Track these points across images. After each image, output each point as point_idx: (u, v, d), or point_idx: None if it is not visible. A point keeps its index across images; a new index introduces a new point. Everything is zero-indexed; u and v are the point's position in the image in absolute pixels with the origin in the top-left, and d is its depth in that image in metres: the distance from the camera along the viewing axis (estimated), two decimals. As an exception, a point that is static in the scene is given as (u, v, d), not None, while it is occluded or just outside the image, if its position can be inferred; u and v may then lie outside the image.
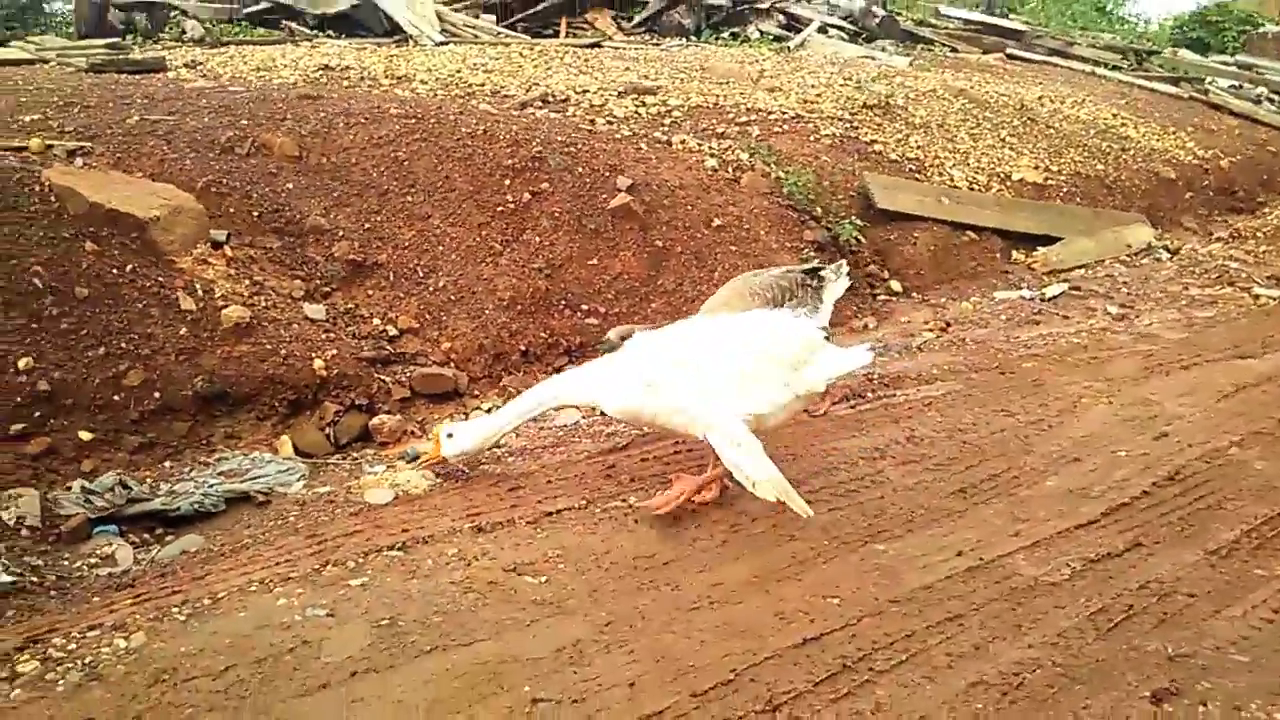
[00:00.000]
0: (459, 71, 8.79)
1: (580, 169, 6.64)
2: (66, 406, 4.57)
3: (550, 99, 8.07)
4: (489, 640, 2.85)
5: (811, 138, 8.35)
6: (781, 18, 13.23)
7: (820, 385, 3.74)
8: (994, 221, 8.31)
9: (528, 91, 8.26)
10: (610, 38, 11.75)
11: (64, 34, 12.07)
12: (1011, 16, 17.71)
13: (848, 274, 5.08)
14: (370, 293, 5.89)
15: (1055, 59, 14.75)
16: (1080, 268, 8.11)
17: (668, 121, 8.00)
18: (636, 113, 8.04)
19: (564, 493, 3.83)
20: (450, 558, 3.30)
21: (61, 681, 2.65)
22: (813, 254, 7.00)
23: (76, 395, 4.58)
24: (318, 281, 5.82)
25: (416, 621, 2.92)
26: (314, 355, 5.14)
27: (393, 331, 5.70)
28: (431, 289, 5.93)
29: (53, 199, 5.11)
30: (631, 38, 12.03)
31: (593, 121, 7.68)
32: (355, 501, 3.79)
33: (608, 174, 6.67)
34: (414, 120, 6.79)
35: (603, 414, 3.93)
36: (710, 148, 7.65)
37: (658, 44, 11.80)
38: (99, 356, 4.72)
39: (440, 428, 3.93)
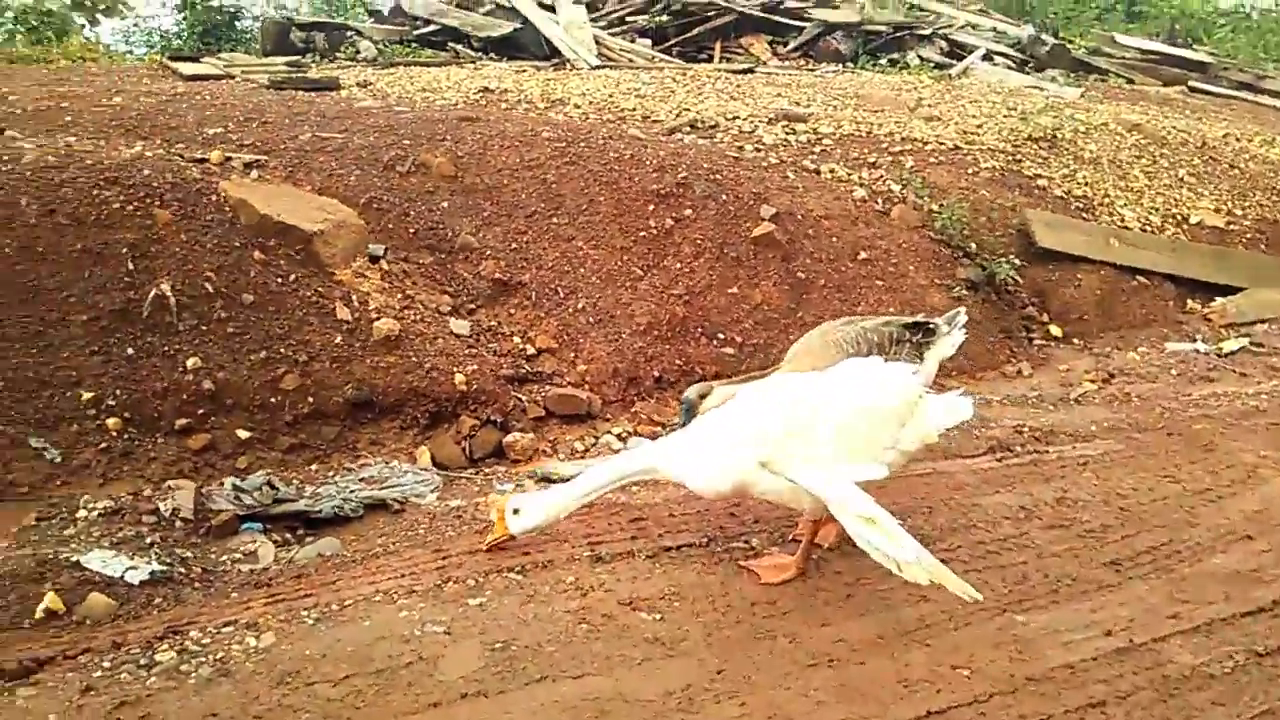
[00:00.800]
0: (611, 96, 8.92)
1: (725, 196, 6.60)
2: (227, 406, 4.85)
3: (699, 125, 8.08)
4: (599, 675, 2.82)
5: (969, 170, 8.03)
6: (943, 44, 12.84)
7: (932, 437, 3.55)
8: (1167, 266, 7.76)
9: (677, 117, 8.30)
10: (764, 63, 11.71)
11: (251, 50, 12.96)
12: (1196, 47, 16.59)
13: (964, 326, 4.53)
14: (512, 311, 6.02)
15: (1244, 93, 13.72)
16: (1262, 322, 7.46)
17: (817, 150, 7.87)
18: (786, 140, 7.95)
19: (686, 528, 3.77)
20: (567, 585, 3.30)
21: (194, 675, 2.79)
22: (965, 292, 6.72)
23: (237, 396, 4.87)
24: (464, 298, 6.00)
25: (529, 648, 2.92)
26: (456, 370, 5.28)
27: (531, 350, 5.80)
28: (571, 310, 6.01)
29: (227, 209, 5.46)
30: (786, 63, 11.94)
31: (740, 148, 7.63)
32: (481, 519, 3.84)
33: (752, 202, 6.61)
34: (564, 144, 6.92)
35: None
36: (860, 178, 7.47)
37: (813, 69, 11.67)
38: (260, 360, 5.00)
39: (506, 500, 3.53)
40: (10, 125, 6.53)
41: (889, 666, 2.94)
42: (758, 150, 7.65)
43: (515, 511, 3.47)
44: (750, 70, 10.93)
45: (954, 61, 12.38)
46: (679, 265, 6.27)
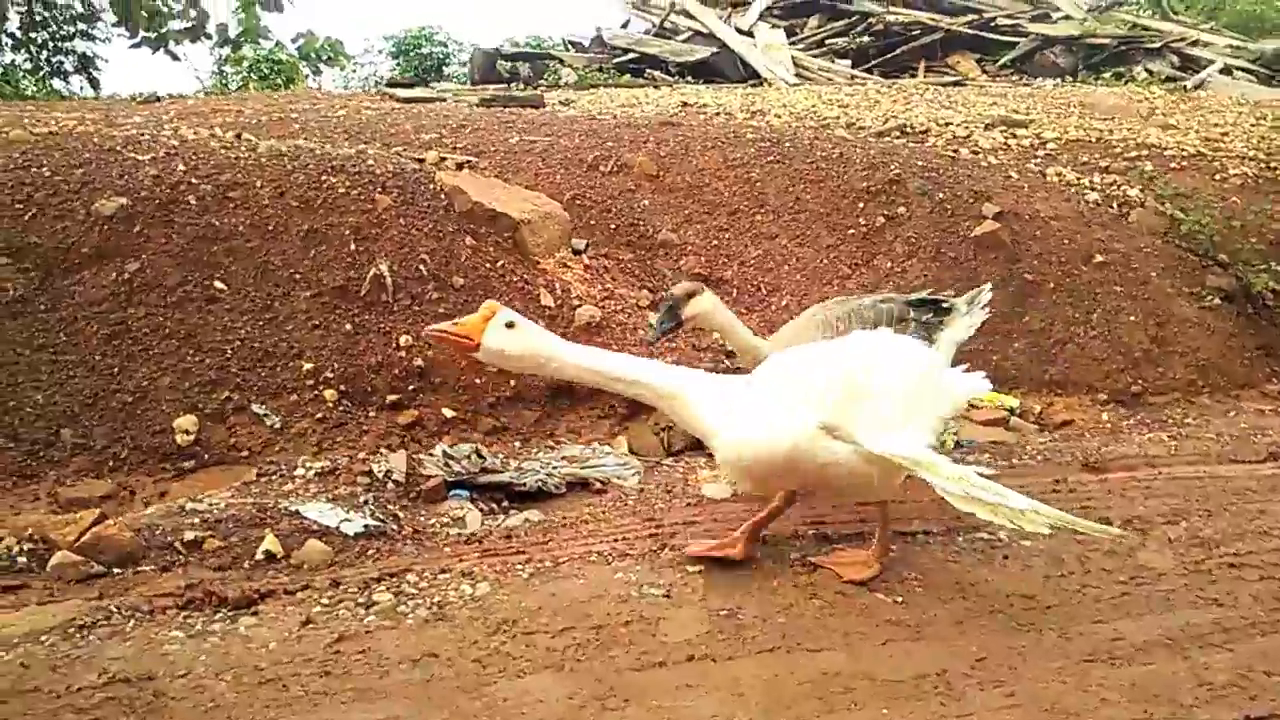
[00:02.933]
0: (814, 107, 8.69)
1: (941, 194, 6.20)
2: (435, 384, 4.87)
3: (909, 130, 7.70)
4: (838, 651, 2.51)
5: (1216, 177, 7.25)
6: (1174, 58, 11.86)
7: (962, 403, 3.20)
8: None
9: (885, 123, 7.95)
10: (973, 80, 11.16)
11: (459, 83, 13.60)
12: None
13: (985, 307, 3.99)
14: (714, 307, 5.83)
15: None
16: None
17: (1040, 154, 7.32)
18: (1005, 144, 7.45)
19: (919, 515, 3.41)
20: (793, 561, 3.01)
21: (411, 616, 2.68)
22: (1218, 302, 6.00)
23: (444, 375, 4.88)
24: (663, 293, 5.86)
25: (757, 618, 2.65)
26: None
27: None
28: (774, 308, 5.75)
29: (442, 196, 5.56)
30: (997, 80, 11.34)
31: (956, 151, 7.20)
32: (692, 494, 3.63)
33: (972, 200, 6.17)
34: (768, 143, 6.73)
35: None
36: (1091, 181, 6.87)
37: (1027, 84, 11.02)
38: (466, 341, 5.01)
39: (500, 306, 2.86)
40: (245, 131, 6.98)
41: (1185, 668, 2.48)
42: (974, 153, 7.20)
43: (509, 325, 2.80)
44: (960, 84, 10.43)
45: (1186, 75, 11.40)
46: (890, 264, 5.91)
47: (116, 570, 3.00)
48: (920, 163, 6.43)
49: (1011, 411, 5.07)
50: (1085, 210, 6.40)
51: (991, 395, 5.23)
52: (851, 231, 6.04)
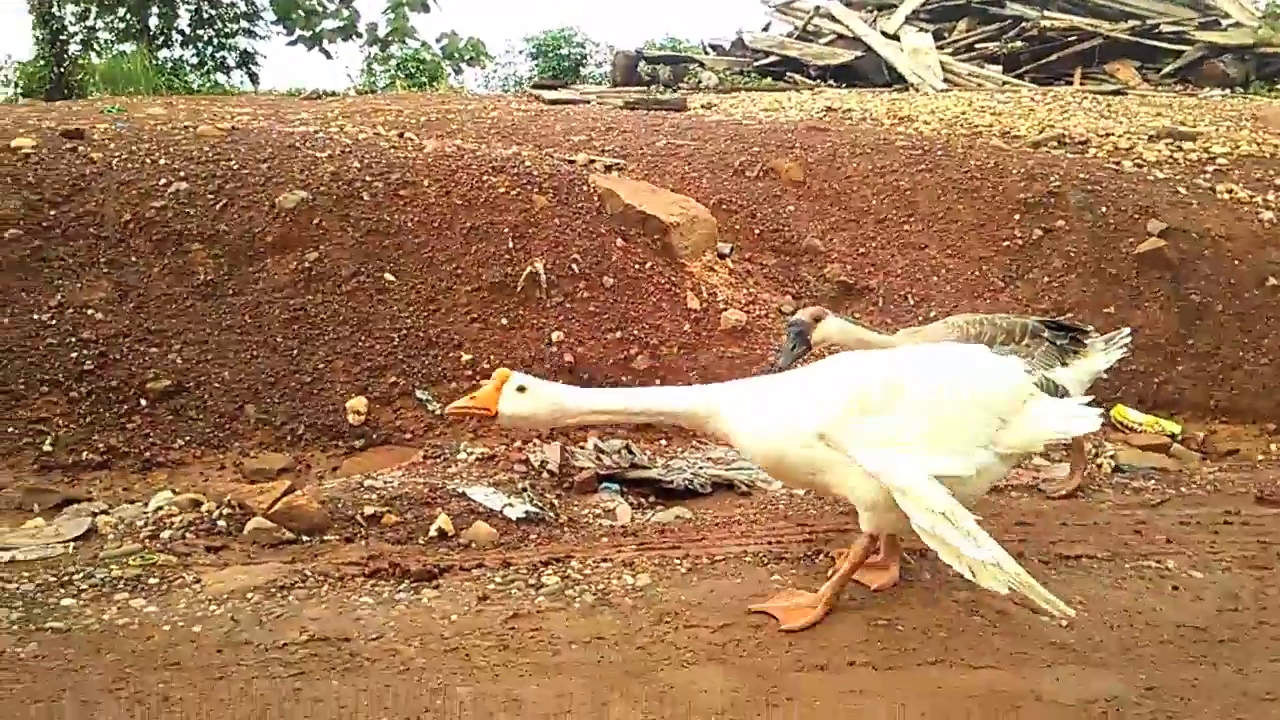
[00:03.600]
0: (964, 114, 8.50)
1: (1103, 208, 5.99)
2: (584, 380, 5.01)
3: (1067, 140, 7.46)
4: (1002, 669, 2.50)
5: None
6: (1363, 69, 11.06)
7: (1036, 445, 2.87)
8: None
9: (1041, 133, 7.72)
10: (1133, 88, 10.68)
11: (600, 84, 13.86)
12: None
13: (1125, 346, 3.82)
14: (857, 315, 5.79)
15: None
16: None
17: (1210, 169, 6.97)
18: (1171, 157, 7.13)
19: (1082, 539, 3.34)
20: (951, 577, 2.98)
21: (578, 600, 2.80)
22: None
23: (594, 371, 5.03)
24: (806, 299, 5.86)
25: (917, 630, 2.67)
26: (800, 366, 5.15)
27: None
28: (920, 319, 5.67)
29: (595, 199, 5.72)
30: (1159, 89, 10.82)
31: (1118, 163, 6.94)
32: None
33: (1136, 216, 5.94)
34: (920, 152, 6.64)
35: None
36: (1265, 199, 6.50)
37: (1193, 95, 10.48)
38: (615, 339, 5.15)
39: (511, 372, 2.80)
40: (407, 131, 7.32)
41: (1387, 717, 2.36)
42: (1138, 166, 6.92)
43: (520, 390, 2.75)
44: (1121, 92, 10.01)
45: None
46: (1046, 279, 5.75)
47: (305, 538, 3.25)
48: (1081, 175, 6.23)
49: (1173, 437, 4.87)
50: (1260, 230, 6.06)
51: (1151, 419, 5.05)
52: (1006, 244, 5.91)
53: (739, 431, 2.76)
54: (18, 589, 2.78)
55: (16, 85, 15.11)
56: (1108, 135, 7.61)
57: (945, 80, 10.65)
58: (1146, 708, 2.37)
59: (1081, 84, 10.93)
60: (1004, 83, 10.85)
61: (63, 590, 2.78)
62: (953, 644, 2.61)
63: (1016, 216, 6.01)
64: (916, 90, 10.38)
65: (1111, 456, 4.48)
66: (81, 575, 2.87)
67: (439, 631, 2.57)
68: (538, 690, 2.32)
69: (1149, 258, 5.68)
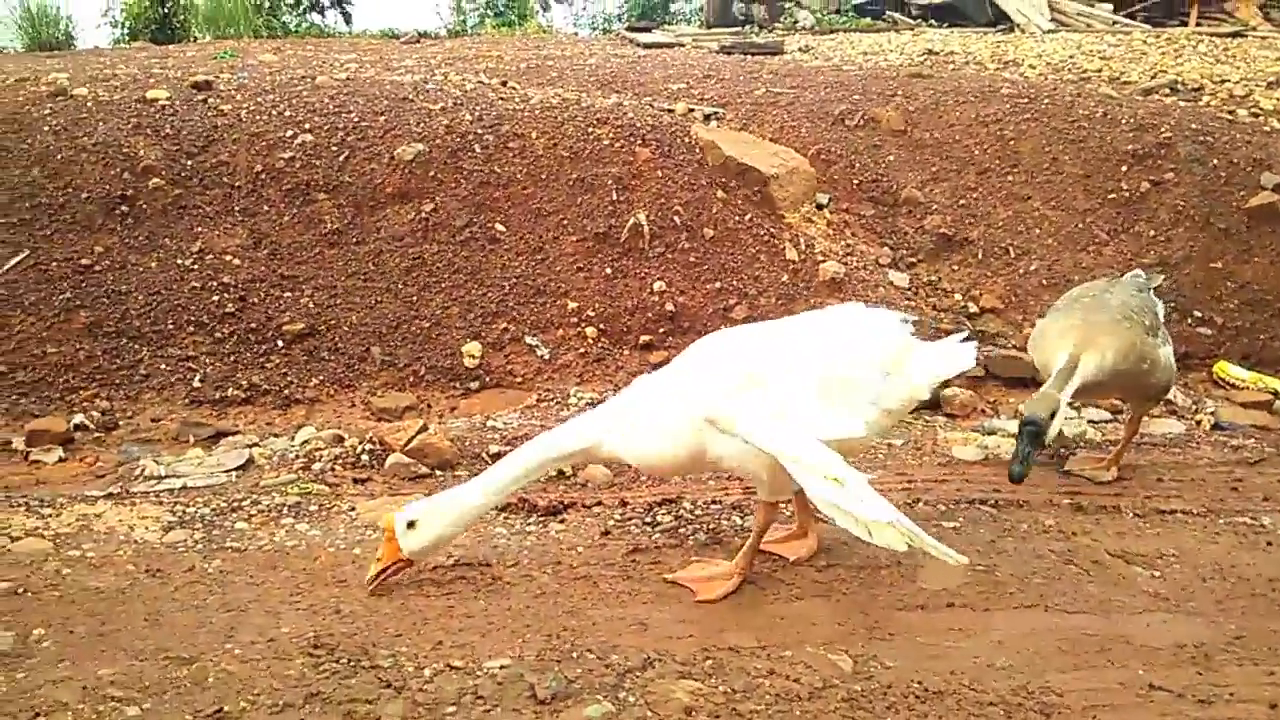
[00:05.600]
0: (1072, 57, 8.28)
1: (1215, 160, 5.86)
2: (683, 328, 5.21)
3: (1179, 87, 7.24)
4: (1094, 615, 2.65)
5: None
6: None
7: (923, 392, 2.86)
8: None
9: (1152, 78, 7.50)
10: (1254, 29, 10.19)
11: (690, 24, 13.78)
12: None
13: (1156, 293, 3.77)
14: (955, 268, 5.84)
15: None
16: None
17: (1333, 118, 6.72)
18: (1291, 105, 6.88)
19: (1178, 494, 3.43)
20: (1048, 528, 3.14)
21: (691, 538, 3.04)
22: None
23: (692, 320, 5.21)
24: (904, 251, 5.93)
25: (1014, 576, 2.83)
26: (896, 318, 5.24)
27: (973, 309, 5.59)
28: (1021, 271, 5.70)
29: (697, 150, 5.85)
30: (1282, 28, 10.31)
31: (1232, 112, 6.73)
32: (942, 454, 3.79)
33: (1248, 169, 5.80)
34: (1025, 100, 6.55)
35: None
36: (1396, 151, 6.25)
37: (1319, 34, 9.97)
38: (714, 290, 5.32)
39: (393, 515, 2.68)
40: (510, 79, 7.50)
41: None
42: (1254, 115, 6.70)
43: (410, 525, 2.63)
44: (1239, 35, 9.58)
45: None
46: (1153, 231, 5.69)
47: (438, 472, 3.55)
48: (1193, 125, 6.09)
49: (1276, 394, 4.85)
50: (1386, 184, 5.86)
51: (1255, 376, 5.02)
52: (1112, 196, 5.85)
53: (627, 453, 2.72)
54: (196, 512, 3.14)
55: (124, 26, 15.77)
56: (1223, 82, 7.35)
57: (1052, 19, 10.32)
58: (1233, 654, 2.50)
59: (1198, 24, 10.46)
60: (1114, 22, 10.45)
61: (235, 514, 3.14)
62: (1047, 590, 2.76)
63: (1124, 168, 5.93)
64: (1022, 31, 10.10)
65: (1211, 413, 4.50)
66: (249, 502, 3.22)
67: (568, 561, 2.84)
68: (661, 615, 2.57)
69: (1261, 212, 5.57)
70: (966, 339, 3.04)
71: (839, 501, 2.39)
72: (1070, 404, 3.34)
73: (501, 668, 2.27)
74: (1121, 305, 3.42)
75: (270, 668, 2.25)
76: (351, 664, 2.28)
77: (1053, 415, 3.03)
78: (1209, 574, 2.89)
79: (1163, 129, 6.02)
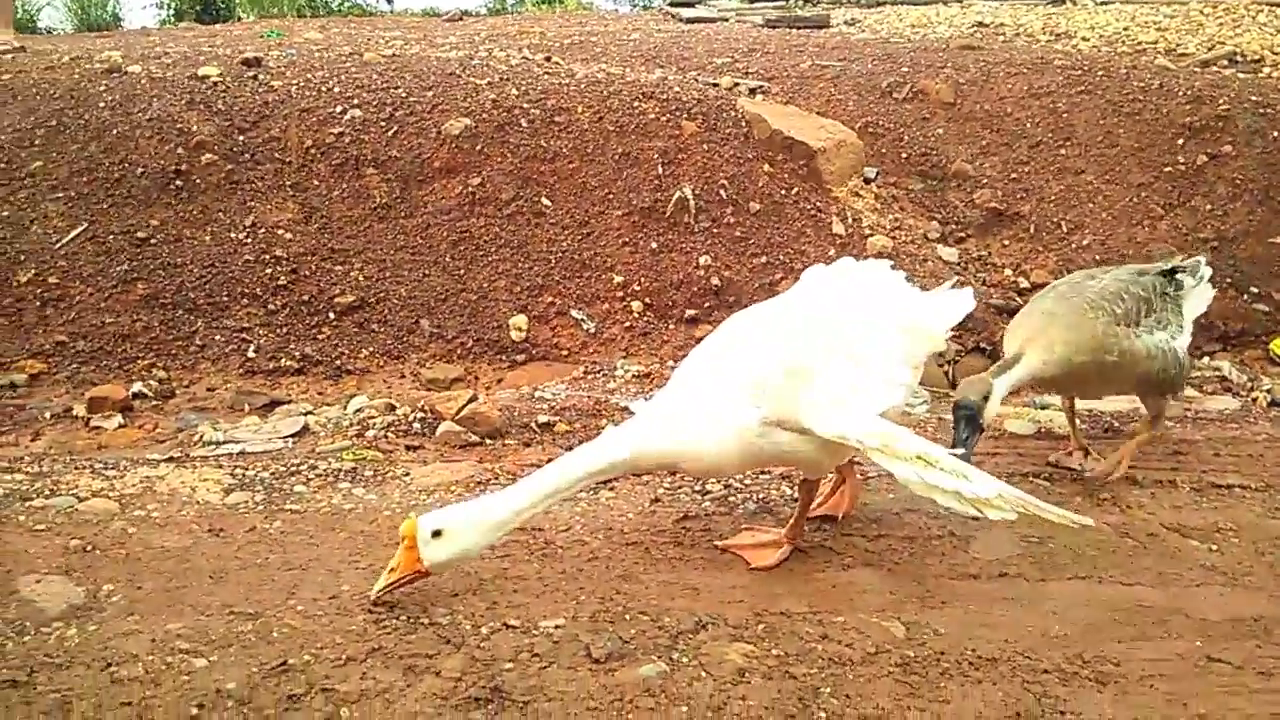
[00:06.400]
0: (1126, 29, 8.10)
1: (1275, 133, 5.71)
2: (729, 303, 5.20)
3: (1238, 59, 7.05)
4: (1151, 588, 2.63)
5: None
6: None
7: (940, 343, 2.83)
8: None
9: (1210, 50, 7.31)
10: (1316, -3, 9.87)
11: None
12: None
13: (1210, 280, 3.52)
14: (1005, 243, 5.77)
15: None
16: None
17: (1402, 89, 6.50)
18: (1356, 76, 6.67)
19: (1235, 469, 3.38)
20: (1102, 500, 3.11)
21: (740, 507, 3.06)
22: None
23: (738, 294, 5.20)
24: (953, 225, 5.86)
25: (1068, 548, 2.81)
26: (944, 293, 5.19)
27: (1024, 284, 5.52)
28: (1074, 246, 5.61)
29: (743, 124, 5.81)
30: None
31: (1294, 83, 6.55)
32: (995, 428, 3.76)
33: (1312, 141, 5.65)
34: (1079, 72, 6.42)
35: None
36: None
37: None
38: (760, 264, 5.30)
39: (415, 520, 2.40)
40: (554, 55, 7.50)
41: None
42: (1317, 86, 6.51)
43: (436, 534, 2.38)
44: (1301, 2, 9.29)
45: None
46: (1209, 207, 5.57)
47: (488, 441, 3.59)
48: (1253, 97, 5.94)
49: (1337, 373, 4.74)
50: None
51: (1316, 352, 4.91)
52: (1168, 169, 5.73)
53: (681, 461, 2.59)
54: (256, 476, 3.21)
55: (169, 7, 15.99)
56: (1285, 52, 7.16)
57: (1106, -9, 10.08)
58: (1294, 628, 2.47)
59: (1259, -7, 10.15)
60: (1170, -7, 10.18)
61: (293, 479, 3.20)
62: (1102, 562, 2.74)
63: (1180, 141, 5.80)
64: (1074, 3, 9.88)
65: (1268, 390, 4.41)
66: (306, 466, 3.29)
67: (619, 527, 2.87)
68: (712, 580, 2.59)
69: (1324, 185, 5.43)
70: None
71: (939, 483, 2.31)
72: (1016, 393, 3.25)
73: (556, 627, 2.30)
74: (1098, 294, 3.22)
75: (333, 623, 2.31)
76: (411, 621, 2.33)
77: (985, 398, 2.95)
78: (1267, 548, 2.85)
79: (1220, 101, 5.87)
